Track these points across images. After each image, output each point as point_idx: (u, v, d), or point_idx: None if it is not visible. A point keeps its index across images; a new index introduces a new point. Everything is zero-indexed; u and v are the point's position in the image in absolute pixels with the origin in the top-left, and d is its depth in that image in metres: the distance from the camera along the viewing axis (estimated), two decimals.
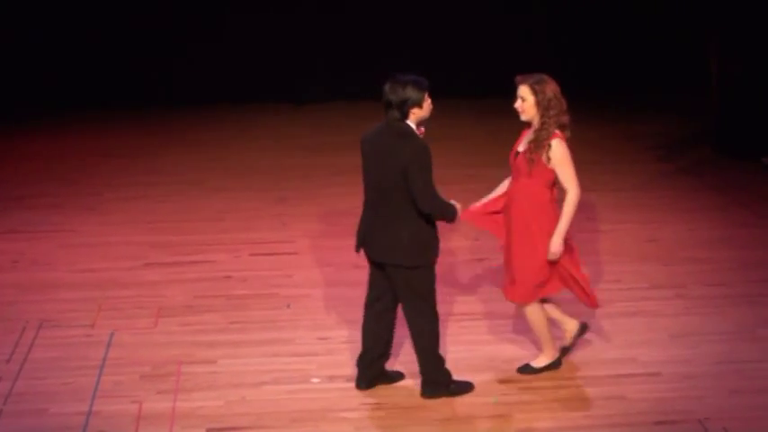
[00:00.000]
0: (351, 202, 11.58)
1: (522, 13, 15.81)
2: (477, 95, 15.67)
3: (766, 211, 11.32)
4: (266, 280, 9.63)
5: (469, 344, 8.34)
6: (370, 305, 7.67)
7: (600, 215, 11.24)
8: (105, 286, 9.52)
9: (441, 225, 7.39)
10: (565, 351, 8.01)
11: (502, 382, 7.79)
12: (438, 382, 7.60)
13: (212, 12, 15.65)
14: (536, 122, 7.45)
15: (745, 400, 7.51)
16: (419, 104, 7.19)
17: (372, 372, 7.70)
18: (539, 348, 8.00)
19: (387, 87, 7.21)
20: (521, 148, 7.53)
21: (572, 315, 8.02)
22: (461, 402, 7.51)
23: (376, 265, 7.52)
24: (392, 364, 7.85)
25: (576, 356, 8.11)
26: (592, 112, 15.15)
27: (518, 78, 7.49)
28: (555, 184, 7.53)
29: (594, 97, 15.67)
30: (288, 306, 9.09)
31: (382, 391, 7.64)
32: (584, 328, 8.05)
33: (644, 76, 15.87)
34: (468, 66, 15.89)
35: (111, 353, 8.24)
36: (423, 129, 7.31)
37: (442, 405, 7.49)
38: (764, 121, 12.98)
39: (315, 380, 7.85)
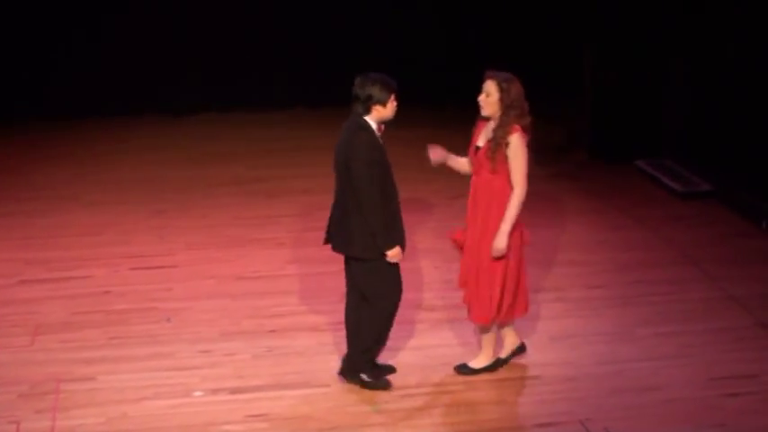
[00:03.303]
0: (231, 213, 11.56)
1: (392, 15, 15.85)
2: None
3: (640, 213, 11.53)
4: (146, 294, 9.51)
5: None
6: (346, 296, 7.83)
7: None
8: None
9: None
10: (500, 363, 8.04)
11: (380, 389, 7.80)
12: (354, 363, 7.75)
13: (84, 23, 15.40)
14: (495, 119, 7.51)
15: (626, 400, 7.63)
16: (383, 103, 7.40)
17: (356, 363, 7.78)
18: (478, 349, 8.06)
19: (356, 81, 7.44)
20: (480, 142, 7.59)
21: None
22: (346, 411, 7.50)
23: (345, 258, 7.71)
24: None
25: (457, 361, 8.14)
26: (466, 119, 15.25)
27: (488, 73, 7.59)
28: None
29: (467, 103, 15.78)
30: (168, 320, 8.98)
31: (268, 402, 7.59)
32: (522, 348, 8.12)
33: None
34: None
35: None
36: (383, 127, 7.49)
37: (328, 414, 7.47)
38: (636, 127, 13.25)
39: (197, 393, 7.77)
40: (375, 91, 7.39)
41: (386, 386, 7.78)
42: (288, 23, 15.64)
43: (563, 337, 8.61)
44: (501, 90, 7.49)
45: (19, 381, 7.92)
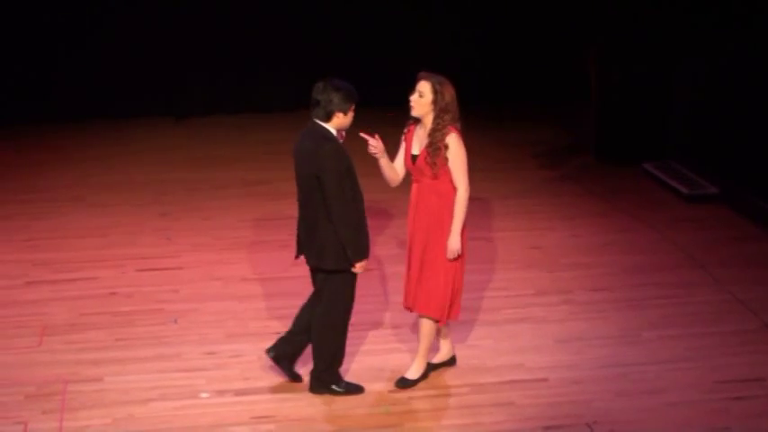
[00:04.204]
0: (237, 215, 11.56)
1: (398, 23, 15.86)
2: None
3: (646, 216, 11.52)
4: (152, 295, 9.51)
5: (357, 354, 8.33)
6: (307, 301, 7.81)
7: (485, 222, 11.32)
8: None
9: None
10: (430, 368, 8.02)
11: (392, 391, 7.80)
12: (322, 379, 7.69)
13: (89, 23, 15.41)
14: (428, 123, 7.47)
15: (632, 403, 7.63)
16: (344, 111, 7.34)
17: (285, 349, 7.75)
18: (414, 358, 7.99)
19: (318, 86, 7.35)
20: (415, 150, 7.54)
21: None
22: (354, 413, 7.51)
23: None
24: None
25: (464, 363, 8.16)
26: (474, 121, 15.25)
27: (422, 74, 7.51)
28: None
29: (478, 107, 15.80)
30: (174, 321, 8.99)
31: (274, 404, 7.60)
32: (453, 361, 8.10)
33: (526, 87, 16.07)
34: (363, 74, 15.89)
35: None
36: (343, 134, 7.44)
37: (334, 416, 7.48)
38: (642, 129, 13.24)
39: (203, 395, 7.78)
40: (338, 98, 7.30)
41: (359, 390, 7.74)
42: (293, 25, 15.63)
43: (569, 339, 8.61)
44: (435, 92, 7.42)
45: (26, 382, 7.94)
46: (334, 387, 7.71)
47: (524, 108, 15.78)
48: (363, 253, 7.43)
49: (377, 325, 8.87)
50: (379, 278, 9.76)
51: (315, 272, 7.65)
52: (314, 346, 7.70)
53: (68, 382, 7.93)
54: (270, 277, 9.84)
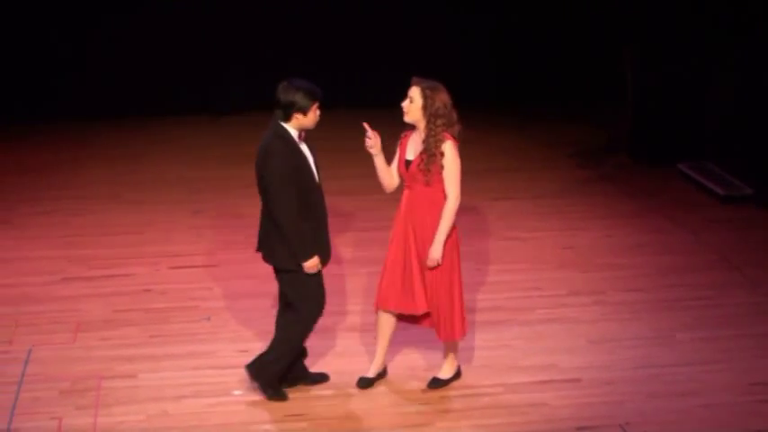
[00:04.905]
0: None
1: (447, 24, 15.87)
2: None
3: (680, 216, 11.48)
4: (186, 293, 9.56)
5: (390, 353, 8.32)
6: (280, 304, 7.77)
7: (519, 222, 11.31)
8: (21, 302, 9.38)
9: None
10: (440, 383, 7.94)
11: (424, 391, 7.81)
12: (266, 372, 7.61)
13: (124, 20, 15.49)
14: (422, 129, 7.40)
15: (665, 404, 7.61)
16: (304, 111, 7.27)
17: (290, 372, 7.73)
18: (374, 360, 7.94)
19: (280, 87, 7.30)
20: (410, 156, 7.49)
21: None
22: (386, 412, 7.53)
23: None
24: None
25: (497, 363, 8.16)
26: (509, 121, 15.28)
27: (414, 79, 7.46)
28: None
29: (514, 106, 15.81)
30: (208, 319, 9.03)
31: (306, 402, 7.62)
32: (459, 374, 7.98)
33: (561, 86, 16.04)
34: (387, 73, 15.90)
35: (30, 369, 8.13)
36: (303, 134, 7.38)
37: (366, 415, 7.50)
38: (678, 129, 13.19)
39: (236, 392, 7.81)
40: (297, 98, 7.24)
41: (284, 398, 7.68)
42: (328, 23, 15.66)
43: (602, 340, 8.59)
44: (424, 97, 7.36)
45: (61, 377, 7.99)
46: (267, 387, 7.63)
47: (559, 108, 15.75)
48: (307, 254, 7.33)
49: (407, 324, 8.86)
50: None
51: (274, 271, 7.62)
52: (273, 341, 7.65)
53: (103, 378, 7.99)
54: None
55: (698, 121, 13.16)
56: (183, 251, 10.57)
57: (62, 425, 7.33)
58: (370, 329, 8.43)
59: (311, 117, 7.32)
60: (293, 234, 7.27)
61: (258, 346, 8.43)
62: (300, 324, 7.55)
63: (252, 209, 11.59)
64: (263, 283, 9.71)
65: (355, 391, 7.80)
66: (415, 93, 7.40)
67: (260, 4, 15.57)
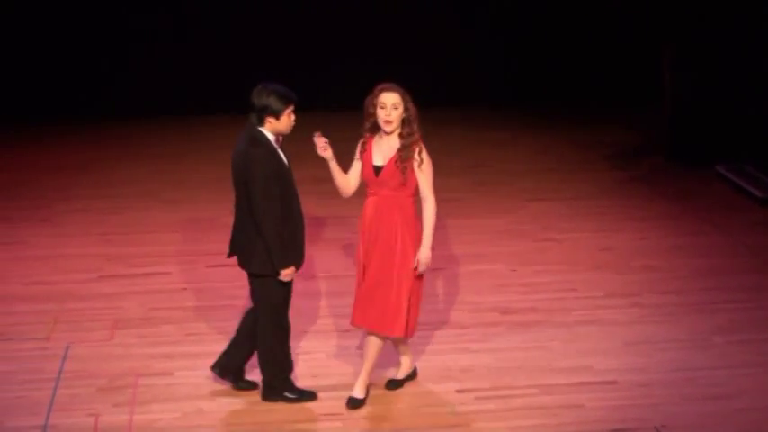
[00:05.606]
0: (306, 213, 11.58)
1: (484, 24, 15.88)
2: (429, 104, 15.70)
3: (717, 219, 11.43)
4: (222, 291, 9.60)
5: (426, 353, 8.36)
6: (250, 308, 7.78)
7: (555, 223, 11.30)
8: (60, 299, 9.45)
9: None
10: (396, 384, 7.90)
11: (459, 391, 7.82)
12: (273, 387, 7.62)
13: (163, 21, 15.58)
14: (396, 134, 7.35)
15: (700, 407, 7.59)
16: (276, 115, 7.23)
17: (227, 362, 7.74)
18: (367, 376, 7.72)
19: (254, 91, 7.30)
20: (378, 162, 7.38)
21: None
22: (420, 412, 7.54)
23: None
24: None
25: (532, 364, 8.16)
26: (546, 122, 15.26)
27: (387, 85, 7.37)
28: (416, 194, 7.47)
29: (550, 107, 15.80)
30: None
31: (341, 402, 7.62)
32: (415, 373, 7.95)
33: (598, 87, 16.01)
34: (420, 74, 15.93)
35: (67, 366, 8.20)
36: (281, 139, 7.36)
37: (400, 415, 7.51)
38: (716, 130, 13.13)
39: None
40: (270, 102, 7.20)
41: (312, 397, 7.68)
42: (365, 24, 15.69)
43: (638, 342, 8.57)
44: (405, 101, 7.33)
45: (98, 374, 8.05)
46: (286, 394, 7.64)
47: (597, 109, 15.72)
48: (287, 262, 7.32)
49: (443, 325, 8.89)
50: (447, 277, 9.77)
51: (248, 276, 7.58)
52: (258, 353, 7.64)
53: (140, 375, 8.04)
54: (336, 275, 9.88)
55: (736, 123, 13.09)
56: (219, 250, 10.53)
57: (99, 422, 7.39)
58: None
59: (284, 121, 7.27)
60: (275, 241, 7.24)
61: (293, 345, 8.38)
62: (275, 333, 7.52)
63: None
64: (297, 282, 9.73)
65: (388, 391, 7.81)
66: (396, 99, 7.32)
67: (294, 6, 15.63)
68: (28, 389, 7.83)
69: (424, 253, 7.40)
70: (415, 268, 7.41)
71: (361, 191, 7.61)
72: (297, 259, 7.43)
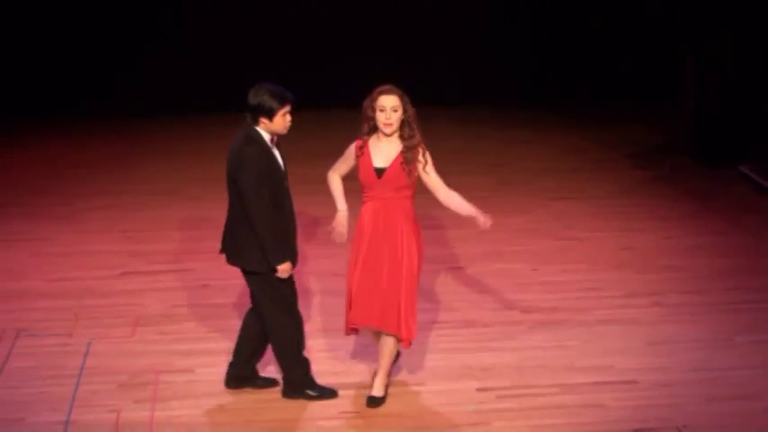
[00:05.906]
0: (324, 211, 11.54)
1: (504, 24, 15.88)
2: (456, 102, 15.73)
3: (741, 218, 11.39)
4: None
5: (447, 352, 8.35)
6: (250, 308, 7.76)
7: (577, 223, 11.28)
8: (82, 295, 9.49)
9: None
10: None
11: (480, 390, 7.80)
12: (293, 383, 7.62)
13: (185, 20, 15.63)
14: (396, 136, 7.33)
15: (723, 408, 7.55)
16: (269, 115, 7.20)
17: (240, 371, 7.74)
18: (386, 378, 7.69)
19: (250, 90, 7.27)
20: (379, 164, 7.35)
21: None
22: (442, 411, 7.53)
23: None
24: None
25: (554, 364, 8.13)
26: (570, 121, 15.23)
27: (386, 88, 7.34)
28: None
29: (573, 106, 15.77)
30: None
31: (363, 400, 7.62)
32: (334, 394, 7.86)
33: (620, 86, 16.00)
34: (447, 73, 15.93)
35: (89, 362, 8.22)
36: (275, 138, 7.35)
37: (422, 414, 7.50)
38: (738, 131, 13.08)
39: None
40: (263, 101, 7.17)
41: (332, 395, 7.66)
42: (382, 22, 15.71)
43: (660, 342, 8.54)
44: (404, 103, 7.30)
45: (119, 371, 8.07)
46: (307, 391, 7.63)
47: (620, 108, 15.69)
48: (281, 258, 7.31)
49: (464, 323, 8.87)
50: (468, 275, 9.76)
51: (243, 274, 7.58)
52: (273, 352, 7.64)
53: (161, 372, 8.05)
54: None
55: (761, 123, 13.04)
56: None
57: (120, 418, 7.40)
58: None
59: (278, 121, 7.24)
60: (268, 237, 7.24)
61: (315, 342, 8.48)
62: (284, 328, 7.52)
63: (307, 206, 11.72)
64: (319, 279, 9.76)
65: (409, 389, 7.80)
66: (396, 101, 7.28)
67: (315, 4, 15.66)
68: (50, 384, 7.86)
69: (481, 219, 7.37)
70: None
71: (351, 199, 7.58)
72: (291, 256, 7.43)
